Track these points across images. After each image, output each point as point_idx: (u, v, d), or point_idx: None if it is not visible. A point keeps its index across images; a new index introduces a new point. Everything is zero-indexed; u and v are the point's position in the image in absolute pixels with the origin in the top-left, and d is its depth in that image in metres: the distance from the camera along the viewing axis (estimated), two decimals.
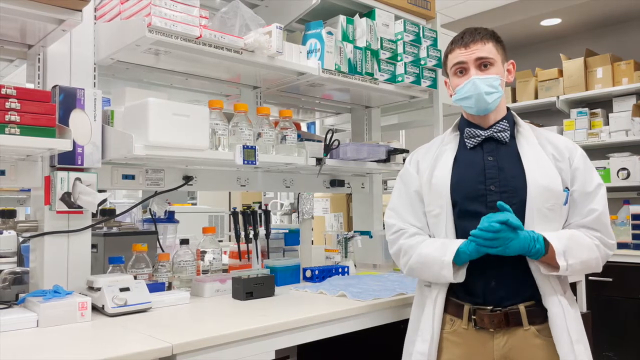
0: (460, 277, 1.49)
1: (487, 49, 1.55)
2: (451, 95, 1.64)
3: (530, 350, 1.45)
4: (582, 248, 1.45)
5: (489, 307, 1.48)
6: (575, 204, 1.51)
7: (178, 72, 2.09)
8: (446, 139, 1.67)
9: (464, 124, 1.63)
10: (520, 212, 1.47)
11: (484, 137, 1.57)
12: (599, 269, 1.53)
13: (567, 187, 1.51)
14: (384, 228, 1.74)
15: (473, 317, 1.49)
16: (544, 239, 1.42)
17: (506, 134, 1.56)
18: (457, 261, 1.47)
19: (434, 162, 1.63)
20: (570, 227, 1.52)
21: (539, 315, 1.46)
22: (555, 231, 1.48)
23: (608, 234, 1.51)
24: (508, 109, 1.64)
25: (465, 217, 1.53)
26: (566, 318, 1.44)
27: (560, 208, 1.49)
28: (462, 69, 1.57)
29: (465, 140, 1.60)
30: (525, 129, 1.60)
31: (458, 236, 1.53)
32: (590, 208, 1.50)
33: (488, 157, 1.55)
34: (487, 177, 1.52)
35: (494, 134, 1.56)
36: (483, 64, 1.55)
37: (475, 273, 1.48)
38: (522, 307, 1.47)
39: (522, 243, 1.40)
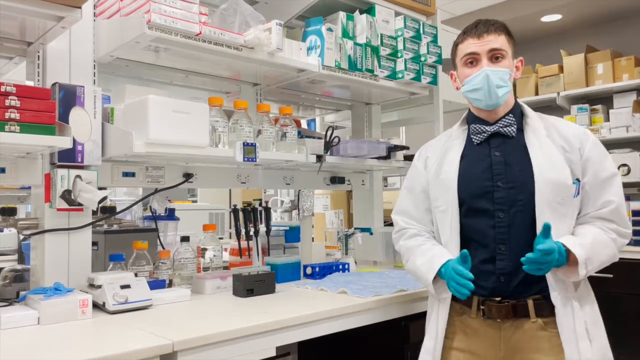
0: (444, 291, 1.53)
1: (501, 41, 1.51)
2: (457, 88, 1.61)
3: (536, 341, 1.46)
4: (602, 250, 1.44)
5: (497, 299, 1.49)
6: (589, 196, 1.48)
7: (178, 69, 2.09)
8: (454, 134, 1.65)
9: (471, 119, 1.61)
10: (530, 207, 1.46)
11: (490, 132, 1.55)
12: (616, 260, 1.51)
13: (577, 179, 1.47)
14: (384, 225, 1.76)
15: (482, 307, 1.51)
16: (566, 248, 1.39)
17: (512, 128, 1.53)
18: (441, 277, 1.51)
19: (441, 157, 1.62)
20: (585, 218, 1.50)
21: (546, 309, 1.46)
22: (568, 226, 1.46)
23: (625, 224, 1.49)
24: (515, 100, 1.60)
25: (472, 214, 1.53)
26: (574, 316, 1.43)
27: (572, 200, 1.46)
28: (473, 60, 1.53)
29: (472, 136, 1.58)
30: (533, 119, 1.56)
31: (462, 233, 1.53)
32: (606, 200, 1.47)
33: (495, 153, 1.53)
34: (495, 173, 1.51)
35: (500, 129, 1.53)
36: (495, 56, 1.51)
37: (485, 268, 1.49)
38: (530, 301, 1.47)
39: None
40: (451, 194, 1.54)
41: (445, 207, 1.56)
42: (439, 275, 1.50)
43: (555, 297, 1.45)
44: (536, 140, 1.51)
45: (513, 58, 1.56)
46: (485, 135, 1.55)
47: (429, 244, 1.60)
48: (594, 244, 1.42)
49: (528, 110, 1.58)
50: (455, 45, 1.60)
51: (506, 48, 1.52)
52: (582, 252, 1.38)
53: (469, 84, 1.53)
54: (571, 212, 1.47)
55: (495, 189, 1.50)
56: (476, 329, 1.52)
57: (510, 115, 1.55)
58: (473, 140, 1.58)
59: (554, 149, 1.48)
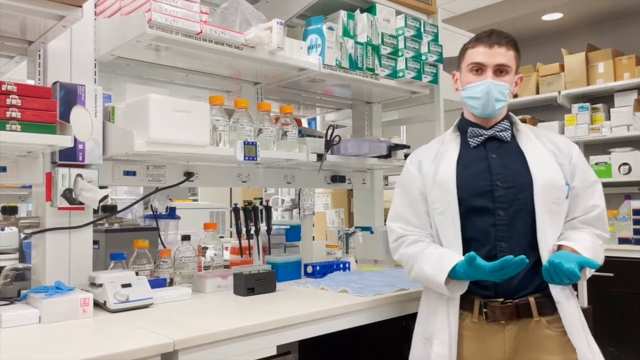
0: (460, 290, 1.49)
1: (508, 57, 1.57)
2: (457, 89, 1.66)
3: (541, 341, 1.47)
4: (598, 254, 1.49)
5: (499, 300, 1.49)
6: (578, 199, 1.55)
7: (179, 68, 2.09)
8: (447, 138, 1.68)
9: (465, 124, 1.65)
10: (528, 207, 1.50)
11: (487, 136, 1.60)
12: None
13: (567, 182, 1.54)
14: (385, 224, 1.74)
15: (484, 310, 1.50)
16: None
17: (507, 133, 1.60)
18: (455, 277, 1.46)
19: (437, 160, 1.63)
20: (573, 223, 1.55)
21: (548, 307, 1.48)
22: (559, 225, 1.52)
23: (606, 230, 1.58)
24: (507, 111, 1.66)
25: (471, 213, 1.54)
26: (578, 311, 1.48)
27: (563, 202, 1.52)
28: (479, 69, 1.58)
29: (469, 139, 1.62)
30: (524, 127, 1.64)
31: (464, 231, 1.53)
32: (593, 204, 1.55)
33: (492, 155, 1.58)
34: (493, 173, 1.55)
35: (497, 133, 1.60)
36: (500, 70, 1.57)
37: None
38: (531, 299, 1.49)
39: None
40: (451, 194, 1.54)
41: (444, 208, 1.55)
42: (452, 275, 1.45)
43: (557, 292, 1.48)
44: (529, 144, 1.59)
45: (516, 74, 1.62)
46: (483, 138, 1.60)
47: (431, 247, 1.57)
48: (594, 248, 1.48)
49: (517, 119, 1.67)
50: (465, 49, 1.64)
51: (512, 64, 1.58)
52: (588, 255, 1.42)
53: (470, 90, 1.58)
54: (562, 213, 1.54)
55: (495, 189, 1.53)
56: (479, 333, 1.51)
57: (505, 121, 1.62)
58: (470, 143, 1.62)
59: (547, 153, 1.57)
